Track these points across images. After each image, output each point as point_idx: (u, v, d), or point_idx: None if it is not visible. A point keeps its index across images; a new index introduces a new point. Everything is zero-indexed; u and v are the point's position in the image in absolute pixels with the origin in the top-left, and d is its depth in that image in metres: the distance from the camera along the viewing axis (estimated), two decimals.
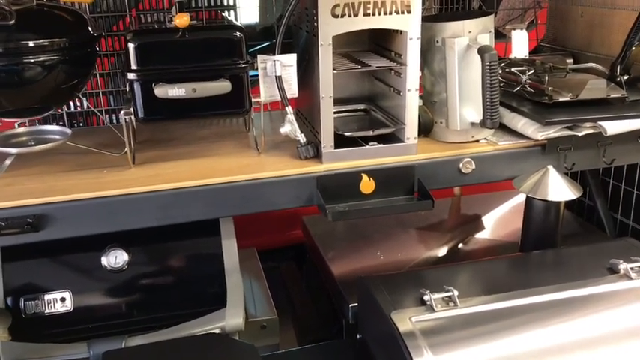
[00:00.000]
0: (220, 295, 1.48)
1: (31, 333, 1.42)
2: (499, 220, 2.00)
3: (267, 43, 1.92)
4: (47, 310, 1.44)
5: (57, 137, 1.47)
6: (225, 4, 1.82)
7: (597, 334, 1.20)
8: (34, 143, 1.44)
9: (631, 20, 1.58)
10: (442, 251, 1.79)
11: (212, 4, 1.81)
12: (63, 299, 1.45)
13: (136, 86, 1.31)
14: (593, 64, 1.69)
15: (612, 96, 1.54)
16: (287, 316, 1.85)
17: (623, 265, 1.33)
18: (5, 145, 1.42)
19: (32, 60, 1.28)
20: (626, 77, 1.58)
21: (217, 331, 1.42)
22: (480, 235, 1.89)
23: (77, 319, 1.45)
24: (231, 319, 1.43)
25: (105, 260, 1.47)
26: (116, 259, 1.48)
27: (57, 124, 1.71)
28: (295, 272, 2.13)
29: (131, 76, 1.30)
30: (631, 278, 1.30)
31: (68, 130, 1.49)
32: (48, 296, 1.44)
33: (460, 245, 1.83)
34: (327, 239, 1.86)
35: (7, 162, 1.45)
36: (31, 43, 1.27)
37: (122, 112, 1.33)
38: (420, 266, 1.70)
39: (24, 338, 1.40)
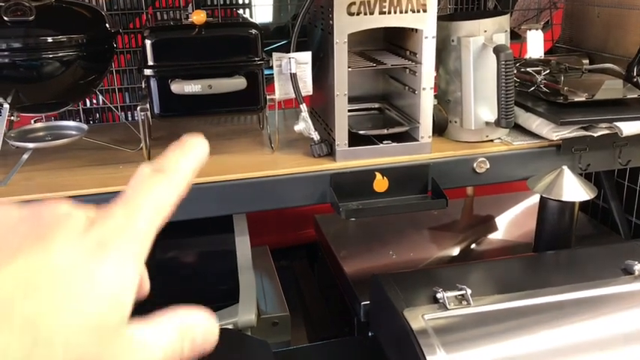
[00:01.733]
0: (233, 291, 1.49)
1: None
2: (512, 221, 1.99)
3: (282, 42, 1.93)
4: None
5: (73, 132, 1.48)
6: (241, 2, 1.83)
7: (611, 335, 1.19)
8: (51, 138, 1.45)
9: None
10: (455, 251, 1.78)
11: (227, 2, 1.82)
12: None
13: (153, 82, 1.32)
14: (610, 65, 1.68)
15: (629, 96, 1.53)
16: (299, 314, 1.86)
17: (638, 267, 1.31)
18: (22, 139, 1.43)
19: (50, 55, 1.29)
20: None
21: (230, 326, 1.43)
22: (493, 236, 1.88)
23: None
24: (244, 315, 1.43)
25: None
26: None
27: (73, 120, 1.73)
28: (307, 270, 2.14)
29: (148, 72, 1.31)
30: None
31: (84, 126, 1.50)
32: None
33: (473, 245, 1.82)
34: (339, 238, 1.86)
35: (25, 156, 1.46)
36: (49, 39, 1.28)
37: (138, 108, 1.34)
38: (432, 266, 1.70)
39: None
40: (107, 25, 1.42)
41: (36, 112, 1.47)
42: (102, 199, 1.30)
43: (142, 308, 1.38)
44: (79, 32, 1.32)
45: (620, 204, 2.03)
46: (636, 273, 1.31)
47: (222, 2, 1.80)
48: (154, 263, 1.48)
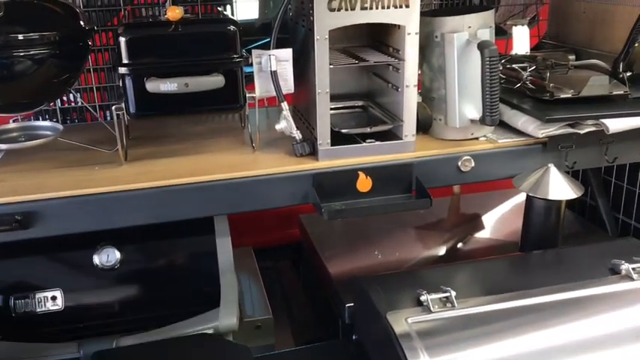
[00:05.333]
0: (214, 294, 1.46)
1: (20, 332, 1.39)
2: (499, 220, 1.97)
3: (268, 39, 1.90)
4: (38, 309, 1.41)
5: (48, 133, 1.44)
6: None
7: (598, 336, 1.17)
8: (25, 139, 1.41)
9: (634, 16, 1.55)
10: (441, 251, 1.76)
11: None
12: (54, 298, 1.42)
13: (128, 81, 1.28)
14: (596, 61, 1.66)
15: (615, 93, 1.51)
16: (283, 316, 1.83)
17: (624, 266, 1.30)
18: None
19: (22, 53, 1.26)
20: (628, 74, 1.55)
21: (211, 331, 1.40)
22: (480, 235, 1.86)
23: (68, 318, 1.43)
24: (225, 319, 1.40)
25: (97, 258, 1.45)
26: (108, 257, 1.45)
27: (50, 120, 1.69)
28: (292, 271, 2.11)
29: (122, 70, 1.27)
30: (633, 279, 1.27)
31: (60, 126, 1.46)
32: (38, 295, 1.42)
33: (459, 245, 1.80)
34: (324, 238, 1.83)
35: None
36: (20, 37, 1.24)
37: (113, 107, 1.31)
38: (418, 266, 1.67)
39: (13, 338, 1.38)
40: (82, 22, 1.38)
41: (8, 112, 1.43)
42: (76, 202, 1.26)
43: (121, 313, 1.34)
44: (52, 29, 1.28)
45: (608, 201, 2.01)
46: (623, 272, 1.29)
47: None
48: (132, 269, 1.45)
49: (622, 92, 1.51)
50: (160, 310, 1.45)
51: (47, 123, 1.50)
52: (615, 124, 1.43)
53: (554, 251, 1.46)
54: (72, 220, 1.27)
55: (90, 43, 1.44)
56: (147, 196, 1.29)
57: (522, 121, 1.48)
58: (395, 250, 1.75)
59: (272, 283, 1.80)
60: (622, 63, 1.56)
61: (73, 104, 1.74)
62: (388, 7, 1.30)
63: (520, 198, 1.97)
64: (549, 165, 1.44)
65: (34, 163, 1.40)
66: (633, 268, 1.29)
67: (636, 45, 1.54)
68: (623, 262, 1.31)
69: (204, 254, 1.51)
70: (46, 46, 1.28)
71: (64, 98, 1.72)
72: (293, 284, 2.02)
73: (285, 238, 2.17)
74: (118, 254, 1.45)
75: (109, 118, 1.75)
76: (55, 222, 1.26)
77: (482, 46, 1.31)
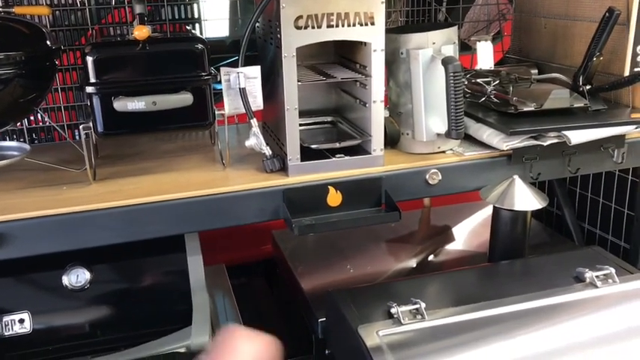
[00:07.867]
0: (186, 313, 1.45)
1: None
2: (469, 231, 2.00)
3: (238, 57, 1.91)
4: (5, 333, 1.39)
5: (15, 153, 1.43)
6: (190, 17, 1.80)
7: (564, 344, 1.20)
8: None
9: (592, 31, 1.60)
10: (412, 263, 1.78)
11: (177, 17, 1.78)
12: (22, 321, 1.40)
13: (95, 100, 1.28)
14: (557, 75, 1.71)
15: (575, 106, 1.55)
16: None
17: (589, 274, 1.33)
18: None
19: None
20: (588, 87, 1.60)
21: (183, 350, 1.38)
22: (450, 246, 1.89)
23: (37, 341, 1.40)
24: (197, 337, 1.39)
25: (66, 279, 1.43)
26: (77, 277, 1.43)
27: (17, 140, 1.67)
28: (265, 288, 2.10)
29: (90, 89, 1.27)
30: (597, 287, 1.31)
31: (27, 146, 1.45)
32: (5, 318, 1.39)
33: (430, 257, 1.82)
34: (296, 253, 1.84)
35: None
36: None
37: (81, 126, 1.30)
38: (390, 278, 1.69)
39: None
40: (48, 41, 1.37)
41: None
42: (45, 223, 1.25)
43: (92, 334, 1.32)
44: (17, 49, 1.27)
45: (573, 211, 2.06)
46: (587, 280, 1.33)
47: (170, 17, 1.77)
48: (103, 289, 1.42)
49: (582, 105, 1.56)
50: (131, 329, 1.44)
51: (14, 143, 1.48)
52: (576, 136, 1.47)
53: (521, 261, 1.49)
54: (41, 241, 1.25)
55: (57, 62, 1.44)
56: (116, 215, 1.28)
57: (487, 134, 1.52)
58: (367, 263, 1.76)
59: (245, 300, 1.79)
60: (582, 76, 1.61)
61: (40, 124, 1.73)
62: (354, 25, 1.32)
63: (488, 210, 2.00)
64: (514, 177, 1.47)
65: (1, 185, 1.39)
66: (597, 276, 1.33)
67: (594, 59, 1.59)
68: (587, 270, 1.34)
69: (176, 272, 1.50)
70: (12, 66, 1.27)
71: (32, 118, 1.71)
72: (266, 301, 2.02)
73: (258, 254, 2.17)
74: (87, 274, 1.43)
75: (77, 137, 1.75)
76: (23, 243, 1.24)
77: (446, 62, 1.34)
